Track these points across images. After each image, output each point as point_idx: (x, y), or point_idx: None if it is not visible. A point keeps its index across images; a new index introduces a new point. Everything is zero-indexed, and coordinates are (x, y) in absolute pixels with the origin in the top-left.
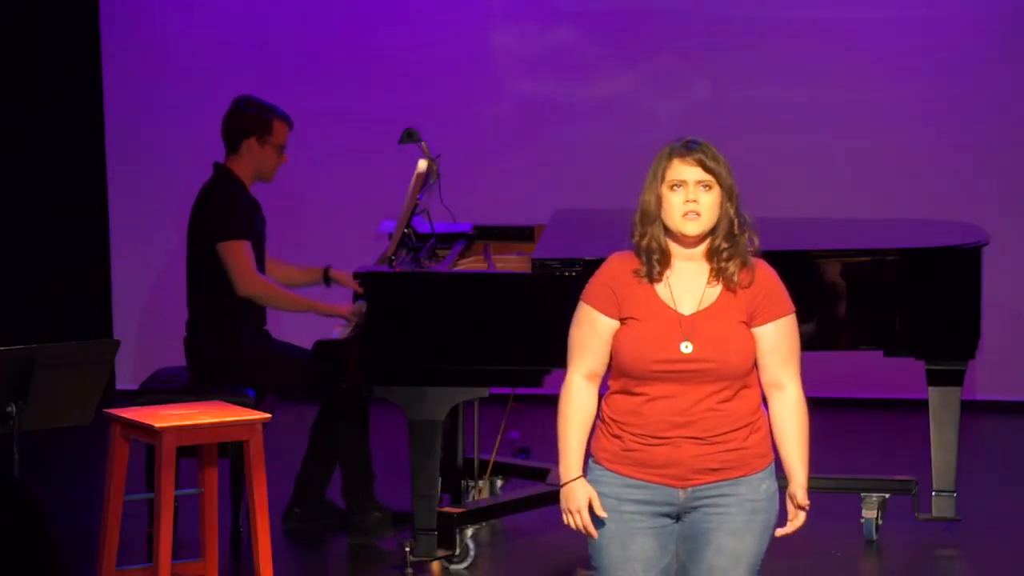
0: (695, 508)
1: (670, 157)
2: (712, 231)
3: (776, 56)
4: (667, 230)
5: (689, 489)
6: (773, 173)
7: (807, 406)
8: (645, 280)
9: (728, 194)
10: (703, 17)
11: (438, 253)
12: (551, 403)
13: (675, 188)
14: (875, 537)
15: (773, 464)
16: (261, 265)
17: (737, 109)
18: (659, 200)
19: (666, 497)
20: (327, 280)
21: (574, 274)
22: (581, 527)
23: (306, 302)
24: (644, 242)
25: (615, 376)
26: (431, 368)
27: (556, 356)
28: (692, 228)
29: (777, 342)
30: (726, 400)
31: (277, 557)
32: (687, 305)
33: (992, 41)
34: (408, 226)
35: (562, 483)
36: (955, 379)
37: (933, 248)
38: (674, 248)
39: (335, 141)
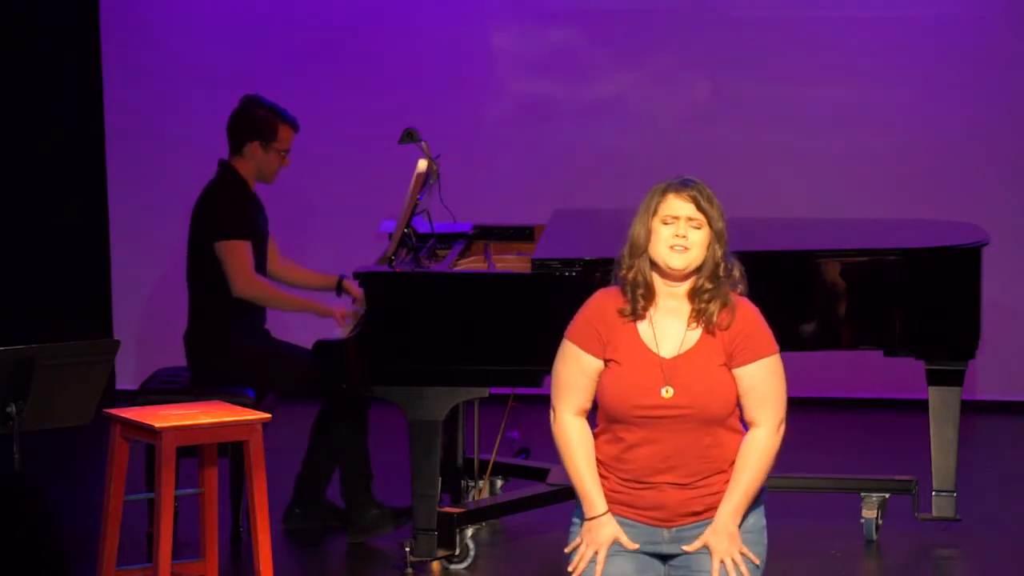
0: (686, 555)
1: (664, 192)
2: (697, 271)
3: (776, 56)
4: (653, 265)
5: (674, 529)
6: (773, 173)
7: (779, 445)
8: (629, 319)
9: (717, 237)
10: (703, 17)
11: (438, 253)
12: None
13: (667, 222)
14: (875, 537)
15: (762, 499)
16: (262, 264)
17: (737, 109)
18: (649, 233)
19: (651, 536)
20: (339, 289)
21: (574, 274)
22: (587, 560)
23: (302, 302)
24: (630, 275)
25: (600, 418)
26: (431, 368)
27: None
28: (678, 261)
29: (753, 384)
30: (708, 445)
31: (277, 557)
32: (668, 347)
33: (993, 41)
34: (408, 226)
35: (588, 517)
36: (955, 379)
37: (933, 248)
38: (658, 285)
39: (335, 141)
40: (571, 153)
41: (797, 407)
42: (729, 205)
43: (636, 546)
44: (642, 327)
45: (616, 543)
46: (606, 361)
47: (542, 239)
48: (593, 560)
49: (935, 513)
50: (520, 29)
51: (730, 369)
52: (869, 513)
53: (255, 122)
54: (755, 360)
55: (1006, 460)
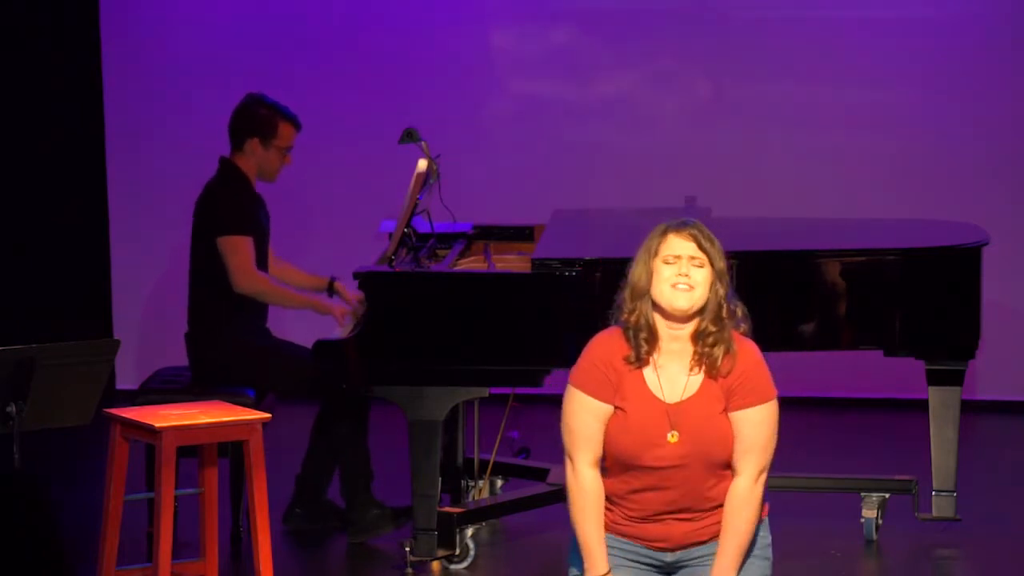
0: (688, 564)
1: (665, 233)
2: (700, 312)
3: (776, 56)
4: (656, 307)
5: (678, 552)
6: (773, 173)
7: (761, 493)
8: (635, 366)
9: (719, 276)
10: (703, 17)
11: (438, 253)
12: (551, 403)
13: (669, 262)
14: (875, 537)
15: (767, 517)
16: (263, 261)
17: (737, 109)
18: (650, 275)
19: (655, 556)
20: (330, 291)
21: (574, 274)
22: None
23: (303, 299)
24: (633, 319)
25: (607, 458)
26: (431, 368)
27: (556, 356)
28: (683, 301)
29: (743, 429)
30: (713, 484)
31: (277, 557)
32: (672, 392)
33: (993, 41)
34: (408, 226)
35: (589, 575)
36: (955, 379)
37: (933, 248)
38: (661, 328)
39: (335, 140)
40: (571, 153)
41: (797, 407)
42: (729, 205)
43: None
44: (647, 373)
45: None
46: (615, 407)
47: (542, 239)
48: None
49: (935, 513)
50: (520, 29)
51: (726, 412)
52: (869, 513)
53: (255, 119)
54: (750, 406)
55: (1006, 460)
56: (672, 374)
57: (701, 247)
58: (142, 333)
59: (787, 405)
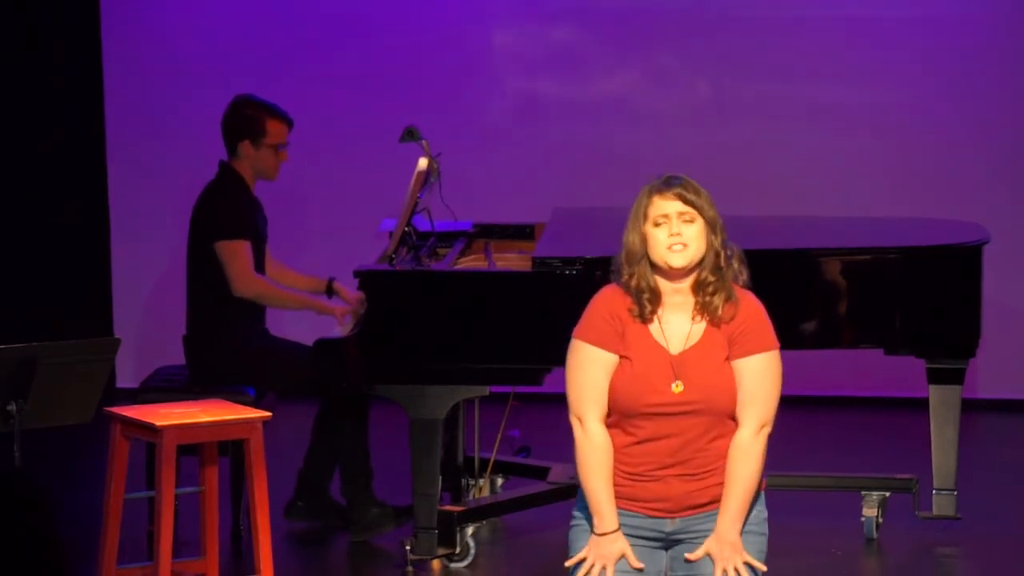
0: (687, 539)
1: (650, 195)
2: (699, 264)
3: (776, 55)
4: (654, 267)
5: (678, 520)
6: (773, 171)
7: (764, 447)
8: (639, 320)
9: (711, 226)
10: (703, 16)
11: (438, 252)
12: (551, 402)
13: (659, 224)
14: (875, 536)
15: (763, 492)
16: (261, 264)
17: (737, 108)
18: (644, 239)
19: (654, 525)
20: (329, 292)
21: (574, 272)
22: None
23: (304, 300)
24: (633, 282)
25: (609, 411)
26: (431, 366)
27: (556, 355)
28: (679, 260)
29: (745, 379)
30: (715, 437)
31: (277, 555)
32: (676, 343)
33: (992, 41)
34: (408, 224)
35: (598, 532)
36: (956, 377)
37: (934, 246)
38: (662, 285)
39: (335, 139)
40: (572, 152)
41: (797, 406)
42: (729, 204)
43: (642, 566)
44: (652, 326)
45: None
46: (620, 357)
47: (543, 238)
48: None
49: (935, 511)
50: (521, 28)
51: (728, 361)
52: (870, 512)
53: (243, 121)
54: (752, 354)
55: (1006, 458)
56: (676, 326)
57: (687, 202)
58: (142, 332)
59: (787, 404)
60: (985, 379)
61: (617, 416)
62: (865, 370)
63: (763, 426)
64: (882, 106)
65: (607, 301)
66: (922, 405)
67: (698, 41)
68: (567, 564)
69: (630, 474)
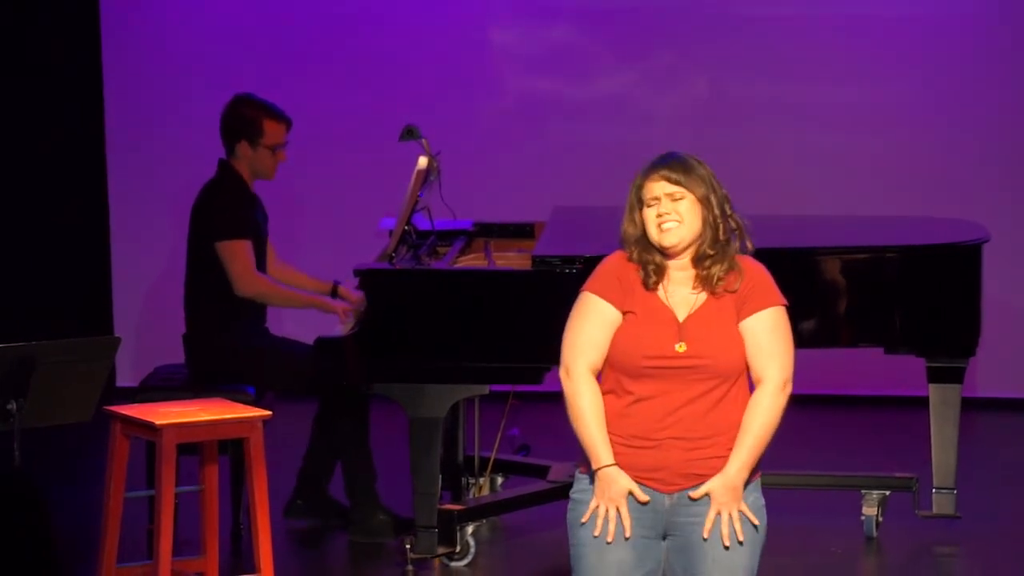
0: (684, 525)
1: (642, 179)
2: (698, 239)
3: (776, 54)
4: (654, 247)
5: (675, 495)
6: (773, 171)
7: (785, 404)
8: (644, 287)
9: (703, 202)
10: (703, 15)
11: (438, 250)
12: (551, 400)
13: (651, 205)
14: (875, 534)
15: (759, 479)
16: (261, 263)
17: (737, 107)
18: (642, 223)
19: (653, 506)
20: (334, 295)
21: (574, 271)
22: (613, 521)
23: (305, 298)
24: (637, 257)
25: (606, 375)
26: (431, 365)
27: (556, 354)
28: (670, 238)
29: (759, 336)
30: (715, 402)
31: (277, 554)
32: (681, 310)
33: (992, 41)
34: (408, 223)
35: (596, 467)
36: (955, 376)
37: (934, 245)
38: (665, 260)
39: (335, 138)
40: (572, 151)
41: (797, 405)
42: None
43: (647, 498)
44: (659, 292)
45: (622, 515)
46: (624, 313)
47: (542, 236)
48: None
49: (935, 510)
50: (520, 27)
51: (738, 324)
52: (869, 510)
53: (240, 121)
54: (761, 309)
55: (1006, 457)
56: (681, 296)
57: (673, 181)
58: (142, 331)
59: (788, 402)
60: (985, 378)
61: (616, 376)
62: (865, 369)
63: (786, 382)
64: (882, 105)
65: (616, 261)
66: (922, 404)
67: (698, 41)
68: (583, 520)
69: (627, 437)
